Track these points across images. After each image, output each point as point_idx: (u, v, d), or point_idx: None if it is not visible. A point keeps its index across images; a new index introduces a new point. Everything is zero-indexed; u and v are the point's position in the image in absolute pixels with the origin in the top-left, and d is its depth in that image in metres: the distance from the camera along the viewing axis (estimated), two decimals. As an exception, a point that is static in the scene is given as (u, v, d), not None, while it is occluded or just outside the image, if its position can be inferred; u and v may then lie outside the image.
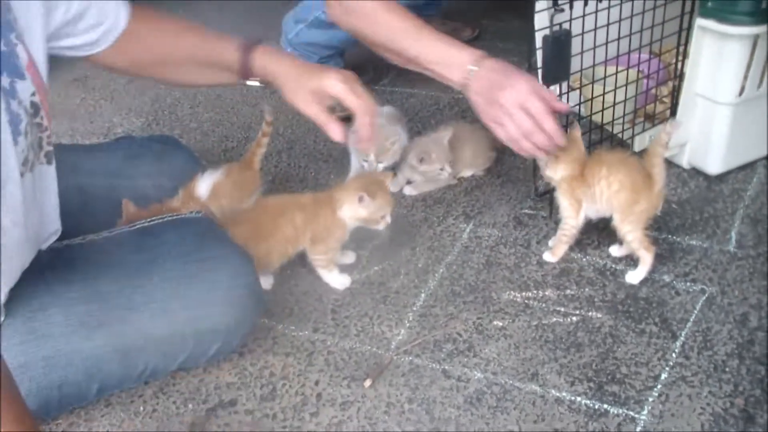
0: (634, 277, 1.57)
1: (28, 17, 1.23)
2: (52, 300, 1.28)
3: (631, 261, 1.60)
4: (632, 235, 1.54)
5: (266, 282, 1.60)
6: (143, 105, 2.57)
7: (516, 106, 1.46)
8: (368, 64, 2.50)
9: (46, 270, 1.32)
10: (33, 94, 1.22)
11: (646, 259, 1.56)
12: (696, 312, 1.47)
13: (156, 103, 2.57)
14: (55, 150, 1.33)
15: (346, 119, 1.38)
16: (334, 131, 1.37)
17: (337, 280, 1.66)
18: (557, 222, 1.67)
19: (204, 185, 1.67)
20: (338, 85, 1.36)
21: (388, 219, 1.62)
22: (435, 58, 1.54)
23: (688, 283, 1.54)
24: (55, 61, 1.34)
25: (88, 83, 2.74)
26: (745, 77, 1.69)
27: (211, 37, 1.50)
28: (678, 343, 1.40)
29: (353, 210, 1.59)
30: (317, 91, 1.38)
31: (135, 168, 1.69)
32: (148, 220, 1.48)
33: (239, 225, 1.56)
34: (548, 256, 1.66)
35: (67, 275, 1.32)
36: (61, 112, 2.51)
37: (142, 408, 1.38)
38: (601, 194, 1.55)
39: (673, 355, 1.38)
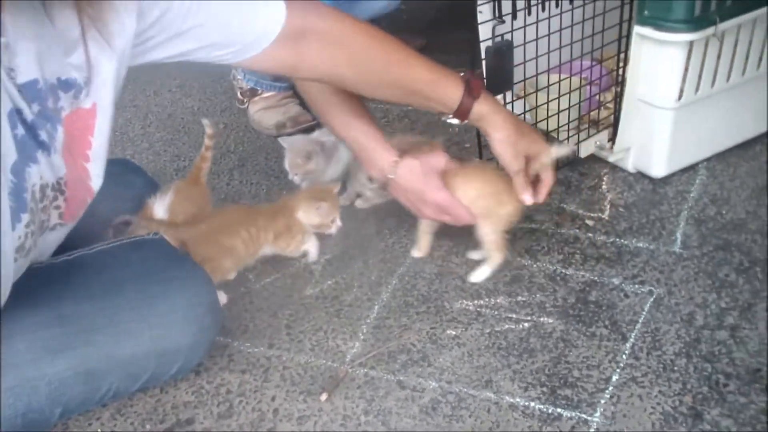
0: (477, 276, 1.64)
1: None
2: (14, 326, 1.26)
3: (580, 264, 1.63)
4: (489, 237, 1.60)
5: (221, 299, 1.60)
6: (93, 126, 2.54)
7: (439, 214, 1.59)
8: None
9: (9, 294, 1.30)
10: (43, 179, 1.17)
11: (496, 259, 1.62)
12: (644, 313, 1.50)
13: (106, 123, 2.55)
14: None
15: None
16: (528, 197, 1.55)
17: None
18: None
19: (161, 207, 1.69)
20: (549, 154, 1.55)
21: (339, 222, 1.75)
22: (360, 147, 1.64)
23: (637, 285, 1.57)
24: None
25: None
26: (684, 82, 1.73)
27: (429, 71, 1.47)
28: (628, 345, 1.43)
29: (309, 217, 1.72)
30: (526, 154, 1.53)
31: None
32: (108, 242, 1.48)
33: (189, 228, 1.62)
34: (415, 252, 1.74)
35: (29, 299, 1.29)
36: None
37: (99, 430, 1.37)
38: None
39: (624, 356, 1.41)
